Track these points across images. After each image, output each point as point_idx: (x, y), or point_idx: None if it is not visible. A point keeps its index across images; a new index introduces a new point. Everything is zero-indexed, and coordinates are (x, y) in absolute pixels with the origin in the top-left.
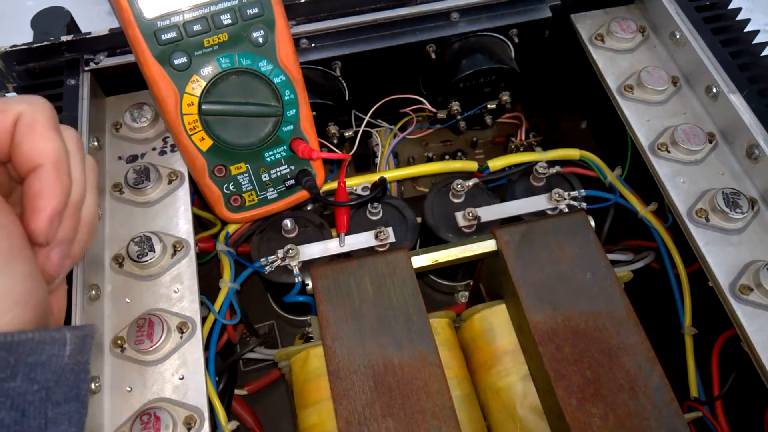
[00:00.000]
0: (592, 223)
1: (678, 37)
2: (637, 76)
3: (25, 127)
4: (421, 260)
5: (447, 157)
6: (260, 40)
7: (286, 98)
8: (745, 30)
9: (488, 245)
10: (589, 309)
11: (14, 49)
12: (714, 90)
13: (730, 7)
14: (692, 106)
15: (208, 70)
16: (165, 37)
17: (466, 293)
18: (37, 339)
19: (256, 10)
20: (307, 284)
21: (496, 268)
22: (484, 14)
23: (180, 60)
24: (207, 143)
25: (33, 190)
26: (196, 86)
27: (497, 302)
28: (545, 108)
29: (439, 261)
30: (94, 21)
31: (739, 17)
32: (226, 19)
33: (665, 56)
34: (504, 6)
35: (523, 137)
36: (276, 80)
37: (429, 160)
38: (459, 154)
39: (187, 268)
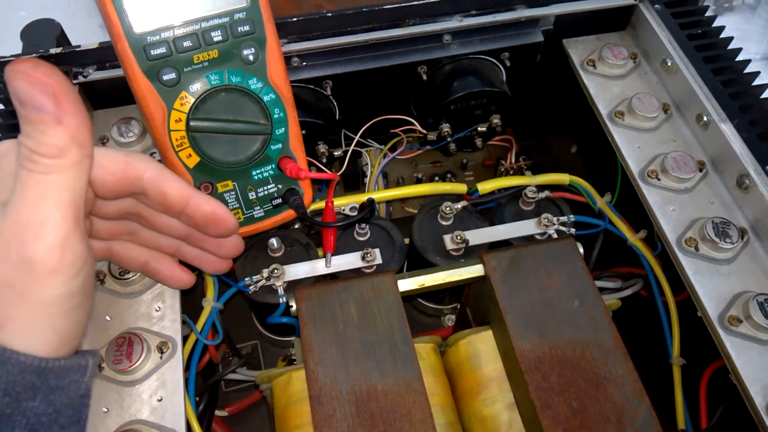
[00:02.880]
0: (581, 250)
1: (669, 64)
2: (628, 103)
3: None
4: (407, 284)
5: (437, 178)
6: (251, 57)
7: (276, 116)
8: (737, 59)
9: (476, 270)
10: (576, 338)
11: (1, 60)
12: (705, 118)
13: (722, 36)
14: (683, 134)
15: (197, 87)
16: (154, 52)
17: (453, 316)
18: (66, 366)
19: (247, 28)
20: (291, 306)
21: (483, 293)
22: (476, 37)
23: (169, 76)
24: (194, 160)
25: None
26: (185, 102)
27: (484, 328)
28: (536, 131)
29: (426, 285)
30: (87, 34)
31: (731, 46)
32: (216, 36)
33: (656, 83)
34: (496, 29)
35: (513, 160)
36: (266, 98)
37: (418, 180)
38: (449, 175)
39: None
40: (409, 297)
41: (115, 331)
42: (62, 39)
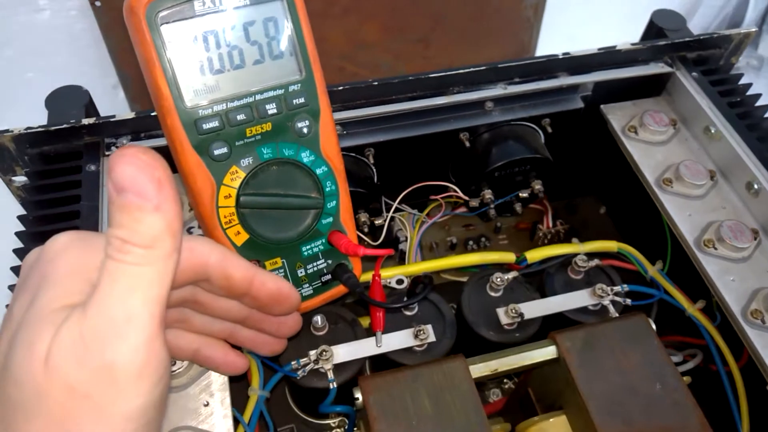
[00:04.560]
0: (654, 327)
1: (713, 131)
2: (675, 170)
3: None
4: (478, 369)
5: (471, 242)
6: (305, 130)
7: (327, 189)
8: None
9: (548, 352)
10: (663, 424)
11: (29, 131)
12: (755, 186)
13: (758, 104)
14: (732, 201)
15: (249, 161)
16: (206, 126)
17: (498, 390)
18: None
19: (302, 100)
20: (357, 398)
21: (553, 376)
22: (517, 104)
23: (220, 150)
24: (242, 237)
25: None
26: (235, 177)
27: (556, 414)
28: (564, 192)
29: (499, 370)
30: (100, 95)
31: None
32: (271, 108)
33: (698, 149)
34: (537, 96)
35: (551, 224)
36: (318, 171)
37: (452, 245)
38: (483, 239)
39: (218, 377)
40: None
41: None
42: (91, 107)
